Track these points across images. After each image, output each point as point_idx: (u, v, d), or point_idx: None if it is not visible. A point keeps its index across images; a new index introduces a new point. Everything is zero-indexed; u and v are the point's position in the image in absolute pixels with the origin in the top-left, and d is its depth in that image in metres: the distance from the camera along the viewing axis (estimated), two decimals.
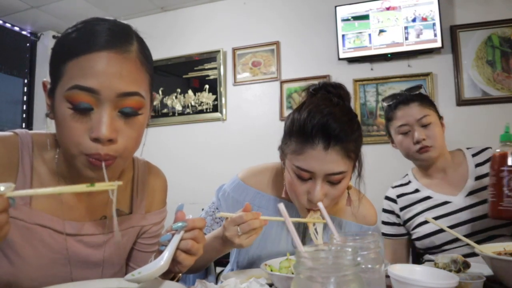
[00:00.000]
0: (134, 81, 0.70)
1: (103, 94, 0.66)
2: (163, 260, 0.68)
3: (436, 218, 1.33)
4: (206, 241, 0.79)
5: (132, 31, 0.75)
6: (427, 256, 1.41)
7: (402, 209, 1.46)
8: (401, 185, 1.54)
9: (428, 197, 1.42)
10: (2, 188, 0.53)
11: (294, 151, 0.95)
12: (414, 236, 1.40)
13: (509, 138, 1.13)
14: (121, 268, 0.90)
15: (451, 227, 1.27)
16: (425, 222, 1.36)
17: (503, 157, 1.10)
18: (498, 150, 1.12)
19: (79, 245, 0.79)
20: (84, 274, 0.78)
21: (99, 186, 0.59)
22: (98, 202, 0.83)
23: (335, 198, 0.97)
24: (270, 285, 0.82)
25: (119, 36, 0.70)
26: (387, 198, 1.53)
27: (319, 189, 0.92)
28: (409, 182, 1.52)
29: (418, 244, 1.40)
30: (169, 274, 0.76)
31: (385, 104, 1.52)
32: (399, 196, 1.50)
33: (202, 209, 1.29)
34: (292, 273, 0.81)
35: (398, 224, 1.48)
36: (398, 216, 1.48)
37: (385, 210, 1.52)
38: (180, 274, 0.79)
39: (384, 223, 1.51)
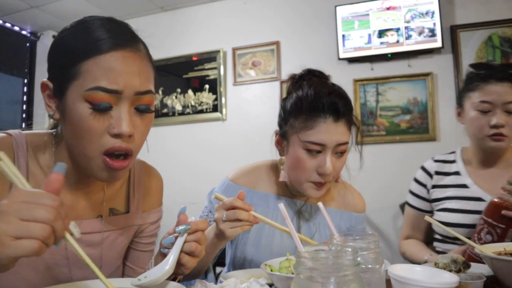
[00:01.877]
0: (147, 79, 0.72)
1: (124, 93, 0.68)
2: (169, 265, 0.68)
3: (463, 211, 1.27)
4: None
5: (134, 30, 0.77)
6: (435, 244, 1.37)
7: (434, 186, 1.39)
8: (444, 161, 1.41)
9: (464, 186, 1.32)
10: (72, 226, 0.54)
11: (304, 126, 1.00)
12: (434, 217, 1.34)
13: None
14: (118, 268, 0.90)
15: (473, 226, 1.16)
16: (451, 209, 1.29)
17: (490, 206, 1.06)
18: (496, 199, 1.05)
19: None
20: (83, 273, 0.78)
21: None
22: (95, 201, 0.83)
23: (339, 171, 1.06)
24: (270, 285, 0.82)
25: (127, 35, 0.72)
26: (424, 169, 1.43)
27: (329, 161, 0.99)
28: (454, 161, 1.40)
29: (435, 226, 1.34)
30: (171, 275, 0.76)
31: (473, 70, 1.31)
32: (437, 173, 1.39)
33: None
34: (292, 273, 0.81)
35: (426, 200, 1.41)
36: (428, 192, 1.40)
37: (417, 181, 1.44)
38: (181, 276, 0.79)
39: (412, 193, 1.44)
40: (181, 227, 0.72)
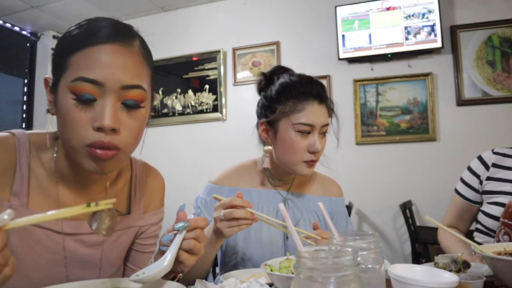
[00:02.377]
0: (137, 74, 0.71)
1: (107, 85, 0.67)
2: (167, 261, 0.68)
3: None
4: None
5: (134, 29, 0.77)
6: (475, 234, 1.33)
7: (489, 178, 1.33)
8: (504, 155, 1.35)
9: None
10: (6, 217, 0.51)
11: (294, 110, 1.10)
12: (483, 209, 1.31)
13: None
14: (119, 269, 0.90)
15: None
16: (503, 204, 1.24)
17: (507, 207, 1.06)
18: (510, 204, 1.05)
19: (77, 245, 0.79)
20: (81, 274, 0.78)
21: (95, 207, 0.57)
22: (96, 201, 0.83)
23: (323, 149, 1.17)
24: (270, 285, 0.82)
25: (123, 31, 0.72)
26: (481, 159, 1.38)
27: (318, 140, 1.10)
28: None
29: (481, 217, 1.31)
30: (170, 274, 0.76)
31: None
32: (494, 165, 1.34)
33: None
34: (292, 273, 0.81)
35: (477, 191, 1.36)
36: (481, 183, 1.35)
37: (471, 170, 1.39)
38: (181, 274, 0.79)
39: (463, 181, 1.39)
40: (180, 224, 0.72)
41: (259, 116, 1.19)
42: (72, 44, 0.69)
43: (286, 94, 1.11)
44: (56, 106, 0.71)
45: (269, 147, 1.16)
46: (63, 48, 0.71)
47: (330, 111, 1.17)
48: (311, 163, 1.12)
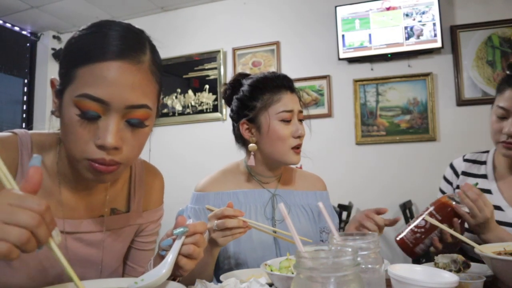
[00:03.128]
0: (144, 93, 0.70)
1: (112, 104, 0.66)
2: (166, 268, 0.68)
3: None
4: None
5: (145, 38, 0.75)
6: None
7: (459, 187, 1.29)
8: (474, 161, 1.33)
9: (488, 191, 1.23)
10: (54, 233, 0.53)
11: (272, 101, 1.17)
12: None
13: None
14: (119, 267, 0.91)
15: None
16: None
17: (437, 201, 1.08)
18: (444, 198, 1.08)
19: (77, 244, 0.80)
20: (83, 273, 0.78)
21: None
22: (97, 201, 0.84)
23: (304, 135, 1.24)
24: (270, 285, 0.82)
25: (133, 45, 0.70)
26: (452, 167, 1.37)
27: (299, 123, 1.18)
28: (484, 162, 1.32)
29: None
30: (169, 276, 0.76)
31: (508, 72, 1.22)
32: (464, 173, 1.32)
33: None
34: (292, 273, 0.81)
35: None
36: (454, 190, 1.33)
37: (445, 179, 1.38)
38: (180, 278, 0.79)
39: (441, 191, 1.38)
40: (178, 230, 0.72)
41: (237, 119, 1.22)
42: (80, 55, 0.68)
43: (261, 89, 1.18)
44: (61, 113, 0.70)
45: (253, 145, 1.19)
46: (70, 56, 0.70)
47: (300, 101, 1.25)
48: (297, 151, 1.18)
